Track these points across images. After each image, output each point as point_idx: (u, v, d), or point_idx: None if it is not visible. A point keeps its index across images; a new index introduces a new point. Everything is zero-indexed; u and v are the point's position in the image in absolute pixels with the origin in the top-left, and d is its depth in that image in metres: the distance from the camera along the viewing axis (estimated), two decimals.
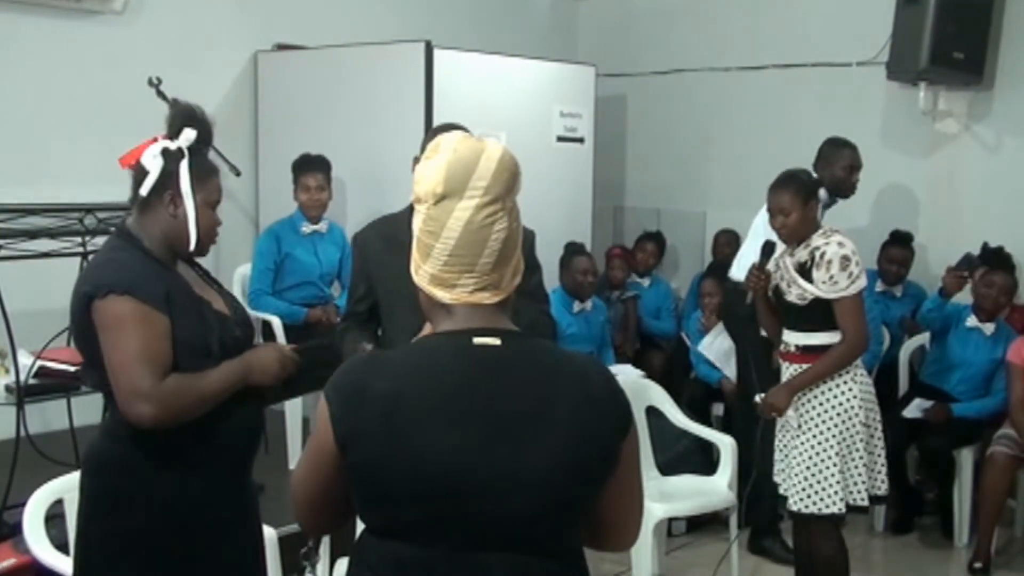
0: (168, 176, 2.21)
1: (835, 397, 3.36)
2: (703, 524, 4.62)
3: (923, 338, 5.10)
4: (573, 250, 5.04)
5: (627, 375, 4.67)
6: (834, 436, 3.34)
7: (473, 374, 1.47)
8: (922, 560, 4.62)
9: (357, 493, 1.50)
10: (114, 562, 2.19)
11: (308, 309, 4.83)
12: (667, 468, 4.25)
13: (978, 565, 4.34)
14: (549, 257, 4.86)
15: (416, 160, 2.74)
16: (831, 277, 3.30)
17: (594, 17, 6.99)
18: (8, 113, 4.50)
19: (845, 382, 3.36)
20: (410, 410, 1.44)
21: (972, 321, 4.76)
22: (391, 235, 2.72)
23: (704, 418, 4.97)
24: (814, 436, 3.37)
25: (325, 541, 3.22)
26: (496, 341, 1.48)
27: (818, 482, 3.35)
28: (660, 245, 6.08)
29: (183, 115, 2.27)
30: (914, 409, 4.74)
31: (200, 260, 2.40)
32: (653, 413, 4.21)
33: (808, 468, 3.37)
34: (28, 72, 4.58)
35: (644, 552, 3.76)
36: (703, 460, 4.43)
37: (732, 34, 6.28)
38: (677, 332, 5.90)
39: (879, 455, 3.45)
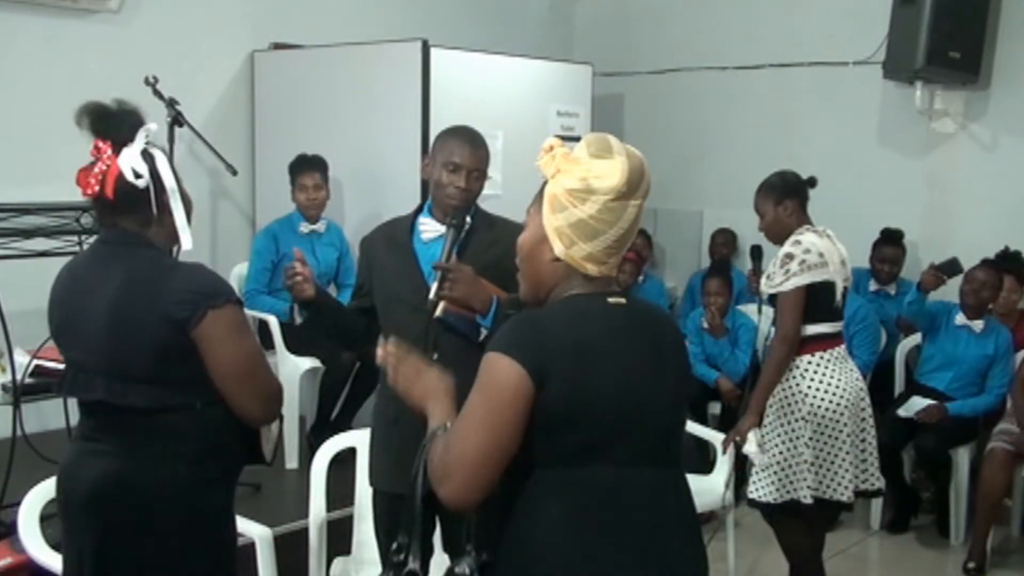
0: (158, 181, 2.12)
1: (780, 395, 3.45)
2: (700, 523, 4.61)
3: (919, 337, 5.09)
4: None
5: None
6: (781, 433, 3.45)
7: (618, 324, 1.83)
8: (918, 559, 4.62)
9: (544, 426, 1.73)
10: None
11: None
12: None
13: (972, 565, 4.35)
14: None
15: (424, 158, 2.77)
16: (769, 275, 3.47)
17: (591, 16, 7.00)
18: (3, 112, 4.49)
19: (790, 379, 3.43)
20: (587, 352, 1.77)
21: (961, 319, 4.76)
22: (392, 237, 2.76)
23: (701, 417, 4.97)
24: (771, 432, 3.49)
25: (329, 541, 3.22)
26: (623, 300, 1.86)
27: (774, 473, 3.47)
28: (647, 239, 6.04)
29: (124, 113, 2.16)
30: (910, 408, 4.75)
31: (198, 257, 2.37)
32: None
33: (776, 462, 3.48)
34: (24, 71, 4.57)
35: None
36: (700, 459, 4.43)
37: (729, 33, 6.29)
38: None
39: (864, 449, 3.51)
